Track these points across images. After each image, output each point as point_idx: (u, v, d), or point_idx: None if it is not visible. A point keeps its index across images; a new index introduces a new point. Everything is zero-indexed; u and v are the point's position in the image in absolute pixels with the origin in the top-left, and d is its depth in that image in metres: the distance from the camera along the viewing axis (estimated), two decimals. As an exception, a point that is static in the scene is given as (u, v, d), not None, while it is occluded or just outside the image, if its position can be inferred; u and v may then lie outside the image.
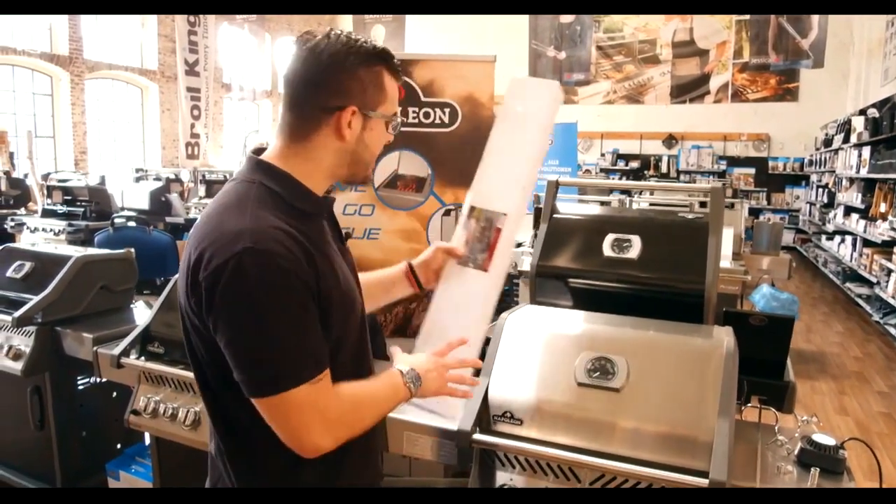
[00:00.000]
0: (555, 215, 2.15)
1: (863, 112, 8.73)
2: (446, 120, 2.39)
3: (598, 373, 1.46)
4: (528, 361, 1.56)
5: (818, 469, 1.43)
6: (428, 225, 2.49)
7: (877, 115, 7.93)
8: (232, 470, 1.15)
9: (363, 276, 1.35)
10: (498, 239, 1.48)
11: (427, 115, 2.40)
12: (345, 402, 1.08)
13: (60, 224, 6.30)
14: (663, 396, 1.42)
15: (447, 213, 2.47)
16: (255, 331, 0.99)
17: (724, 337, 1.52)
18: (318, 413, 1.02)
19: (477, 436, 1.44)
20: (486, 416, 1.49)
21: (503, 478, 1.49)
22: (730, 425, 1.34)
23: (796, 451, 1.51)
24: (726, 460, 1.27)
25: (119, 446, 2.86)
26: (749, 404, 1.81)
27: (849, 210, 8.64)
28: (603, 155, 14.40)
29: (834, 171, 9.92)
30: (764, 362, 2.05)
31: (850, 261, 8.18)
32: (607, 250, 1.99)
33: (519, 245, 4.83)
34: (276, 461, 1.10)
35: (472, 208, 1.52)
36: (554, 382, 1.49)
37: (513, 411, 1.47)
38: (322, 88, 1.11)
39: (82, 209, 6.55)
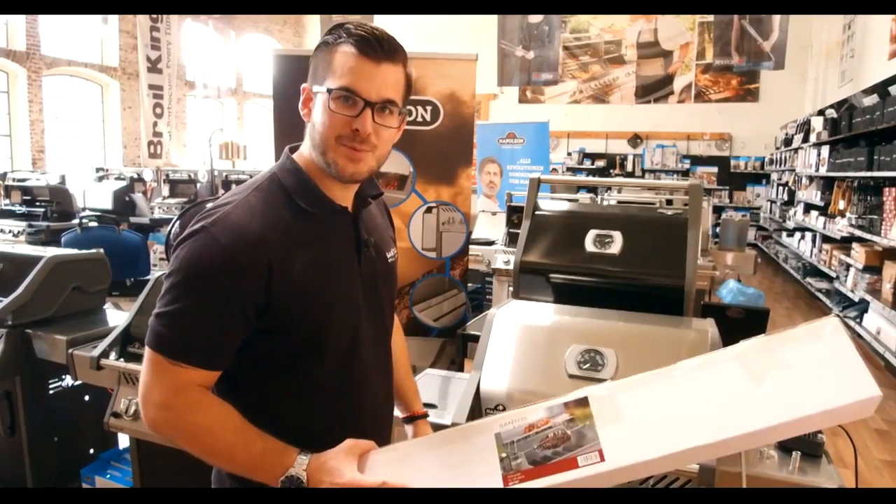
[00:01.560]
0: (537, 212, 2.18)
1: (821, 112, 8.99)
2: (428, 118, 2.40)
3: (588, 364, 1.48)
4: (518, 355, 1.58)
5: (799, 453, 1.48)
6: (409, 222, 2.50)
7: (835, 115, 8.18)
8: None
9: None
10: (569, 472, 0.95)
11: (409, 113, 2.40)
12: (192, 407, 1.03)
13: (20, 225, 6.12)
14: None
15: (429, 210, 2.47)
16: (168, 296, 1.03)
17: (708, 328, 1.56)
18: (158, 388, 1.02)
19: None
20: (478, 410, 1.51)
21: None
22: None
23: (778, 438, 1.55)
24: None
25: (93, 451, 2.80)
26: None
27: (808, 207, 8.89)
28: (570, 154, 14.57)
29: (794, 170, 10.20)
30: (741, 354, 2.12)
31: (810, 257, 8.42)
32: (589, 246, 2.02)
33: (491, 243, 4.87)
34: None
35: (584, 400, 1.00)
36: (544, 375, 1.51)
37: (504, 404, 1.49)
38: None
39: (43, 209, 6.39)
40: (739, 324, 2.14)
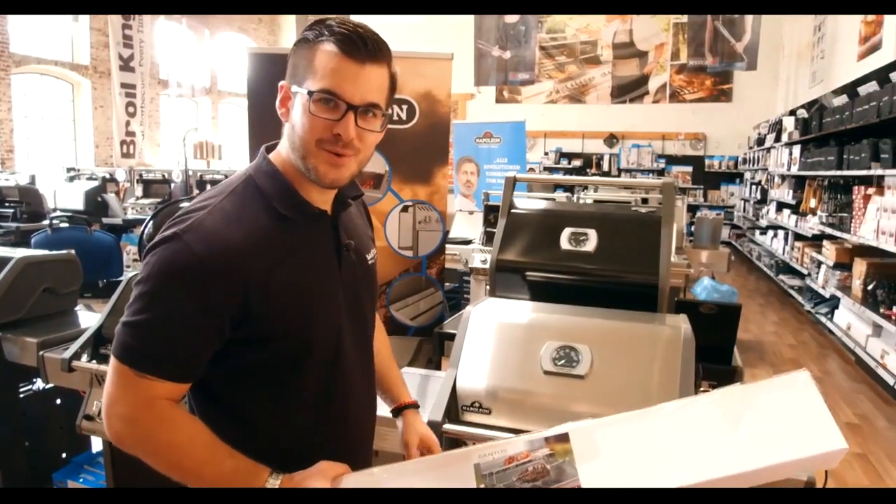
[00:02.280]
0: (512, 210, 2.19)
1: (793, 113, 9.15)
2: (404, 117, 2.40)
3: (563, 361, 1.50)
4: (494, 352, 1.58)
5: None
6: (386, 221, 2.49)
7: (806, 115, 8.33)
8: None
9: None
10: None
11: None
12: (159, 423, 0.99)
13: (-10, 226, 5.99)
14: (626, 381, 1.47)
15: (405, 209, 2.47)
16: (137, 304, 0.99)
17: (681, 324, 1.58)
18: (123, 400, 0.99)
19: (447, 426, 1.45)
20: (454, 407, 1.51)
21: (472, 468, 1.51)
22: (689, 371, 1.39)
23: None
24: None
25: (65, 455, 2.76)
26: (700, 389, 1.88)
27: (781, 206, 9.04)
28: (546, 153, 14.65)
29: (766, 169, 10.36)
30: (713, 349, 2.15)
31: (783, 254, 8.57)
32: (565, 244, 2.04)
33: (468, 242, 4.88)
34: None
35: (564, 436, 1.00)
36: (520, 372, 1.52)
37: (481, 401, 1.50)
38: None
39: (12, 210, 6.27)
40: (712, 320, 2.18)
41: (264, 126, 2.59)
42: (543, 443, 0.98)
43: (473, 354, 1.57)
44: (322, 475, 1.01)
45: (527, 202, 2.29)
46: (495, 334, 1.63)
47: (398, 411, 1.36)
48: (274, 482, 1.00)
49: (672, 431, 0.98)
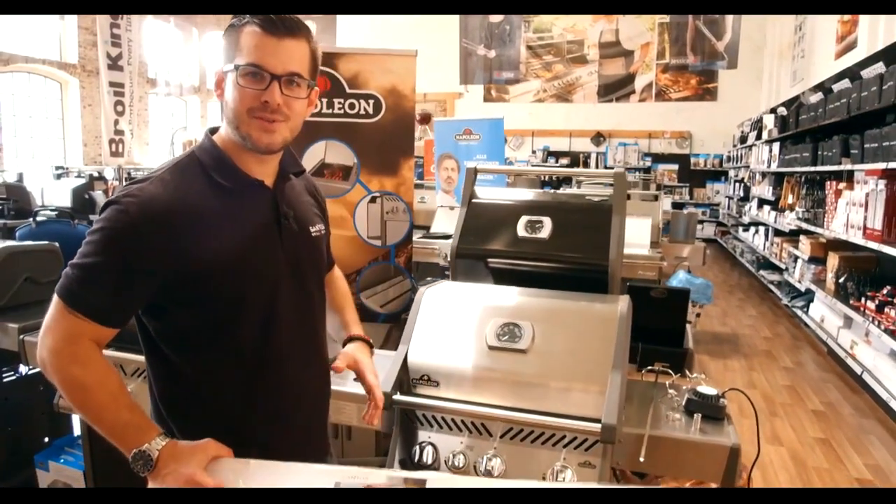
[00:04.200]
0: (473, 200, 2.28)
1: (773, 111, 9.29)
2: (370, 111, 2.50)
3: (506, 336, 1.60)
4: (444, 329, 1.68)
5: (700, 415, 1.62)
6: (355, 212, 2.59)
7: (785, 112, 8.47)
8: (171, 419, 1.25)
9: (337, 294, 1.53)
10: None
11: (352, 107, 2.51)
12: (76, 360, 1.10)
13: (-23, 222, 6.05)
14: (564, 355, 1.57)
15: (373, 200, 2.57)
16: (81, 252, 1.13)
17: (619, 303, 1.69)
18: (53, 332, 1.11)
19: (397, 397, 1.55)
20: (406, 380, 1.61)
21: (423, 436, 1.62)
22: (621, 377, 1.50)
23: (683, 402, 1.69)
24: (616, 407, 1.43)
25: (47, 440, 2.84)
26: (648, 368, 1.98)
27: (762, 202, 9.19)
28: (534, 152, 14.77)
29: (749, 167, 10.51)
30: (665, 331, 2.26)
31: (763, 250, 8.71)
32: (521, 231, 2.13)
33: (449, 237, 4.98)
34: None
35: (422, 481, 1.11)
36: (467, 347, 1.62)
37: (430, 374, 1.60)
38: None
39: (0, 207, 6.32)
40: (662, 303, 2.29)
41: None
42: (402, 481, 1.11)
43: (424, 332, 1.67)
44: (203, 452, 1.10)
45: (488, 192, 2.38)
46: (445, 313, 1.73)
47: (346, 343, 1.49)
48: (159, 442, 1.09)
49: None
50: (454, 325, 1.69)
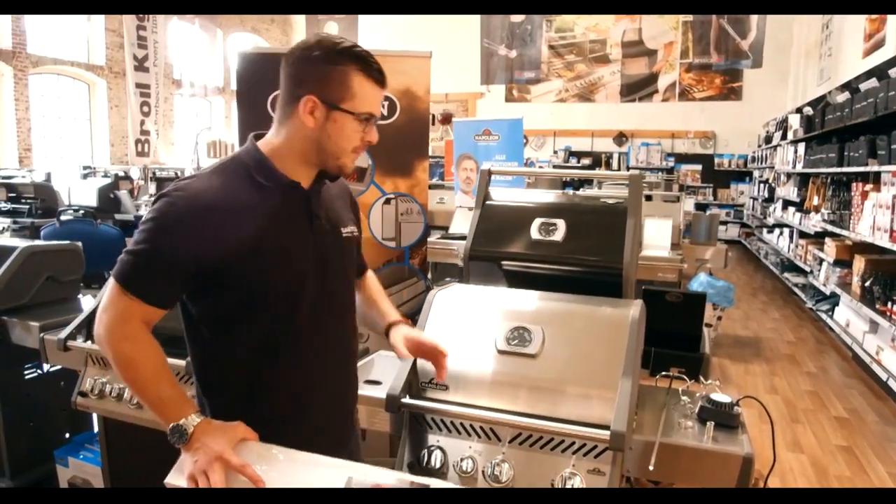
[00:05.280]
0: (487, 202, 2.28)
1: (799, 110, 9.14)
2: (385, 112, 2.50)
3: (516, 341, 1.59)
4: (454, 333, 1.68)
5: (713, 423, 1.60)
6: (370, 213, 2.60)
7: (811, 112, 8.32)
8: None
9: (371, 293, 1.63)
10: None
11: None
12: (127, 338, 1.23)
13: (5, 221, 6.19)
14: (574, 360, 1.56)
15: (387, 201, 2.57)
16: (135, 240, 1.25)
17: (632, 308, 1.67)
18: (110, 311, 1.24)
19: (406, 400, 1.55)
20: (415, 384, 1.61)
21: (432, 440, 1.61)
22: (632, 384, 1.48)
23: (697, 409, 1.67)
24: (626, 414, 1.41)
25: (67, 435, 2.89)
26: (662, 374, 1.96)
27: (786, 204, 9.04)
28: (556, 152, 14.68)
29: (773, 167, 10.35)
30: (681, 336, 2.23)
31: (788, 252, 8.57)
32: (535, 233, 2.12)
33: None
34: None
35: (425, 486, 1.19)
36: (476, 351, 1.61)
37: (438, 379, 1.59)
38: (293, 77, 1.29)
39: (28, 206, 6.45)
40: (678, 307, 2.26)
41: (254, 121, 2.70)
42: (409, 483, 1.17)
43: (434, 334, 1.67)
44: (233, 433, 1.23)
45: (502, 194, 2.38)
46: (455, 316, 1.72)
47: (387, 331, 1.57)
48: (194, 419, 1.23)
49: None
50: (464, 329, 1.69)
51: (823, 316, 6.54)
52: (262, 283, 1.28)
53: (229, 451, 1.19)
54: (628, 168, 14.11)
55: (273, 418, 1.34)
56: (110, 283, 1.26)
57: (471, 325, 1.69)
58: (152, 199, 1.28)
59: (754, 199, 12.59)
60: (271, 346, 1.33)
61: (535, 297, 1.79)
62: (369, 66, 1.30)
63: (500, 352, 1.59)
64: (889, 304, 4.61)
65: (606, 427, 1.43)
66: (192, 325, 1.35)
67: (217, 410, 1.34)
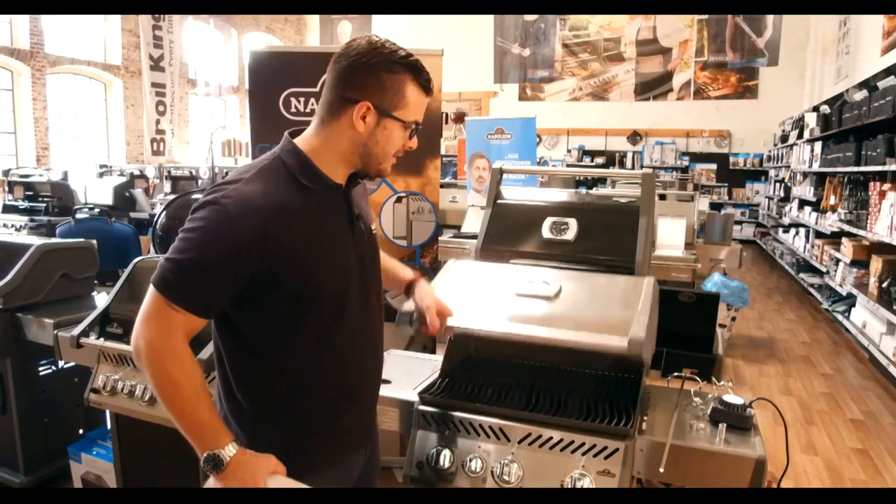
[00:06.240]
0: (499, 200, 2.27)
1: (816, 109, 9.03)
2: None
3: (534, 285, 1.70)
4: (469, 290, 1.78)
5: (726, 425, 1.58)
6: (381, 211, 2.60)
7: (828, 111, 8.22)
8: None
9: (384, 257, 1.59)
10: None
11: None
12: (170, 356, 1.18)
13: (22, 219, 6.27)
14: (591, 305, 1.66)
15: (399, 200, 2.57)
16: (179, 245, 1.19)
17: (645, 282, 1.70)
18: (152, 324, 1.18)
19: (420, 407, 1.56)
20: (430, 339, 1.63)
21: (441, 439, 1.61)
22: (649, 316, 1.53)
23: (709, 411, 1.65)
24: (644, 324, 1.47)
25: (81, 431, 2.92)
26: (674, 374, 1.94)
27: (802, 203, 8.93)
28: (569, 151, 14.62)
29: (789, 166, 10.24)
30: (694, 337, 2.21)
31: (804, 252, 8.47)
32: (546, 233, 2.11)
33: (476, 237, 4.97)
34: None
35: None
36: (494, 294, 1.72)
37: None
38: (345, 81, 1.27)
39: (44, 204, 6.53)
40: (691, 307, 2.24)
41: (264, 119, 2.71)
42: None
43: (448, 291, 1.73)
44: (266, 466, 1.23)
45: (514, 193, 2.37)
46: (472, 277, 1.82)
47: (406, 291, 1.65)
48: (231, 449, 1.20)
49: None
50: (480, 287, 1.77)
51: (839, 317, 6.47)
52: (314, 285, 1.27)
53: (263, 485, 1.20)
54: (642, 167, 14.03)
55: (311, 420, 1.35)
56: (150, 292, 1.20)
57: (487, 284, 1.77)
58: (193, 206, 1.21)
59: (770, 198, 12.46)
60: (317, 350, 1.32)
61: (552, 271, 1.85)
62: (421, 75, 1.31)
63: (519, 294, 1.65)
64: (907, 306, 4.55)
65: (616, 434, 1.43)
66: (230, 334, 1.31)
67: (243, 420, 1.32)
